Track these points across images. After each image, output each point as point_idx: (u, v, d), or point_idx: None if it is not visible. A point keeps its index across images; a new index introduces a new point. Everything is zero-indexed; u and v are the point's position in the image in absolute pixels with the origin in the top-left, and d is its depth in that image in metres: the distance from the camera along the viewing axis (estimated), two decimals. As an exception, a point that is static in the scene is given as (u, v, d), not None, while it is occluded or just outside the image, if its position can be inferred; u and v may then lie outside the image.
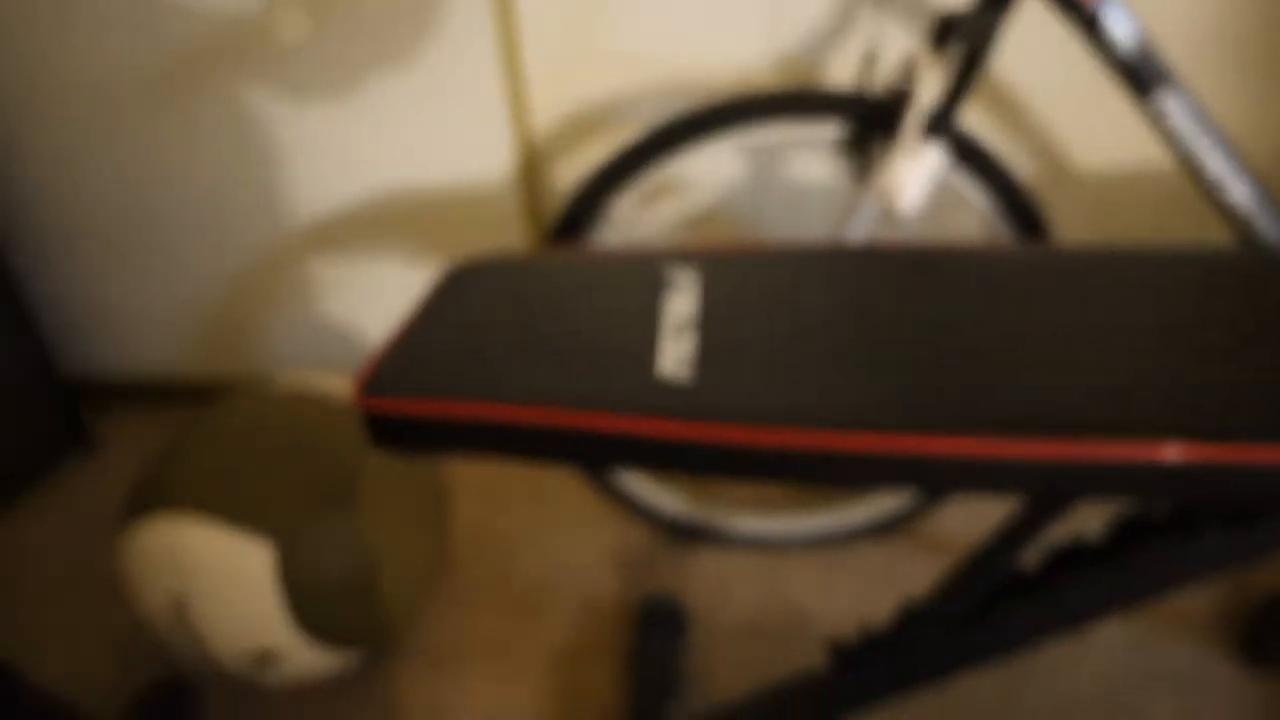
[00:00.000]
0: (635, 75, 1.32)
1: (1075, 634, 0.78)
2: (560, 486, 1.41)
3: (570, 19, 1.28)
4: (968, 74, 0.94)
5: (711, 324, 0.69)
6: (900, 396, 0.61)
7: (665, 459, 0.61)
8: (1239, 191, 0.99)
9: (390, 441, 0.65)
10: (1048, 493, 0.75)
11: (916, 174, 0.97)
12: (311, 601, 1.00)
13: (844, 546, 1.27)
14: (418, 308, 0.75)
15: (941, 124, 0.97)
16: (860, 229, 1.07)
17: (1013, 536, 0.77)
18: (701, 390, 0.61)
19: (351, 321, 1.60)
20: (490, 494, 1.41)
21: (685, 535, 1.30)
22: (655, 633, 1.13)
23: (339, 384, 1.15)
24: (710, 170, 1.36)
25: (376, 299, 1.56)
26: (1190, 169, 1.00)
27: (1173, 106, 0.96)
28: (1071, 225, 1.37)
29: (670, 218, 1.39)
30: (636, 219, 1.11)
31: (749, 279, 0.76)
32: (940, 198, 1.12)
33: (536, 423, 0.62)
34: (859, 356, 0.66)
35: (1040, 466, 0.61)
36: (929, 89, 0.96)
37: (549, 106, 1.36)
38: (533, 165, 1.40)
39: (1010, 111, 1.29)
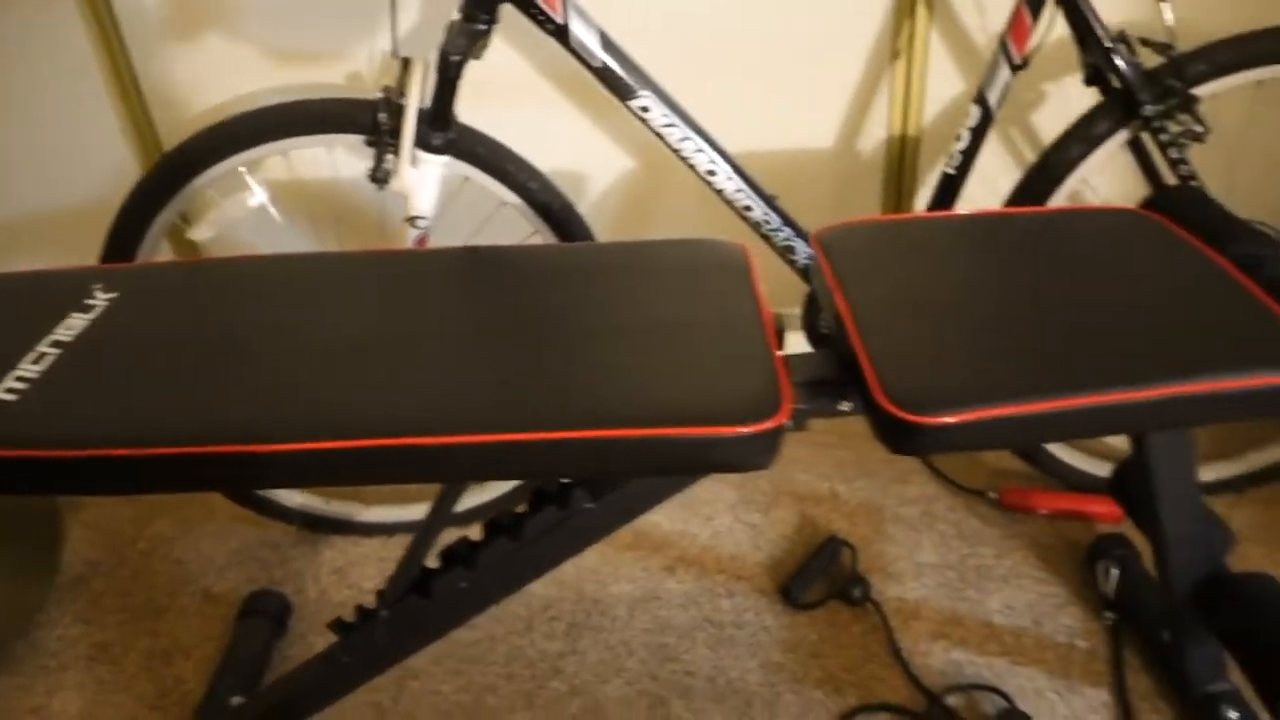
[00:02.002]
0: (251, 77, 1.35)
1: (508, 595, 0.86)
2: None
3: (171, 20, 1.30)
4: (446, 82, 1.00)
5: (82, 345, 0.73)
6: (258, 408, 0.67)
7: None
8: (727, 182, 1.09)
9: None
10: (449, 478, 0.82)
11: (419, 180, 1.03)
12: None
13: (465, 528, 1.34)
14: None
15: (434, 131, 1.03)
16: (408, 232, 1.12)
17: (432, 516, 0.84)
18: (11, 414, 0.65)
19: None
20: (136, 501, 1.43)
21: (318, 529, 1.36)
22: (251, 625, 1.17)
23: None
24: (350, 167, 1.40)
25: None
26: (684, 163, 1.09)
27: (651, 108, 1.05)
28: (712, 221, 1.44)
29: (292, 221, 1.43)
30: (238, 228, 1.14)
31: (165, 298, 0.80)
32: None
33: None
34: (228, 370, 0.71)
35: (419, 457, 0.67)
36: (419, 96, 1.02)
37: (172, 115, 1.38)
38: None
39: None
